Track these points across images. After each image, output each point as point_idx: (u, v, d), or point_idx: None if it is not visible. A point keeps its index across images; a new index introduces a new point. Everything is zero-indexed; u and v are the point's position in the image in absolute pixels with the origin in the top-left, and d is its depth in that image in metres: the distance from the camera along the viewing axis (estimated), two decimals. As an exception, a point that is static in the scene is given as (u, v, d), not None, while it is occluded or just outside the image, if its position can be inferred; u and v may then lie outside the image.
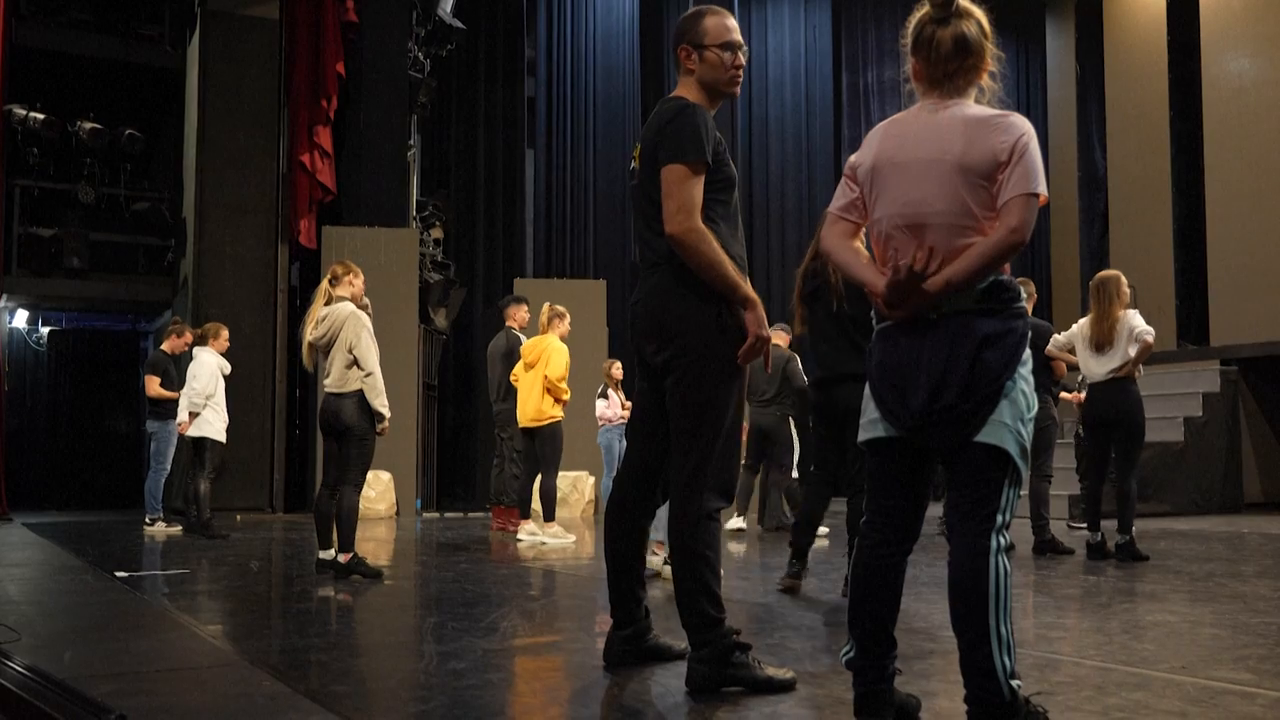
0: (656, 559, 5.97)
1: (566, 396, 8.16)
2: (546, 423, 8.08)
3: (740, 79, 3.32)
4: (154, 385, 9.53)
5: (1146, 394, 12.04)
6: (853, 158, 2.75)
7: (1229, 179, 13.20)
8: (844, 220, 2.72)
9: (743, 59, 3.31)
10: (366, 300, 6.25)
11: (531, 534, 8.18)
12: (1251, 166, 12.93)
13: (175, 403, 9.30)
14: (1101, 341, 6.71)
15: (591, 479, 11.98)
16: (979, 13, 2.66)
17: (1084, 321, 6.95)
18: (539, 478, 8.22)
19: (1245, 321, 12.78)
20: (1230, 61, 13.36)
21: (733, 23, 3.34)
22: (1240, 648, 3.75)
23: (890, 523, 2.68)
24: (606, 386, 11.50)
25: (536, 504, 8.39)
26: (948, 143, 2.54)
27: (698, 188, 3.09)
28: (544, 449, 8.10)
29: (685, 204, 3.05)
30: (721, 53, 3.26)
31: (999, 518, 2.49)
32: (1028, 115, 15.89)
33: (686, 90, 3.28)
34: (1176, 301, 13.86)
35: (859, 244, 2.78)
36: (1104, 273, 7.04)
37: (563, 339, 8.26)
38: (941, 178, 2.53)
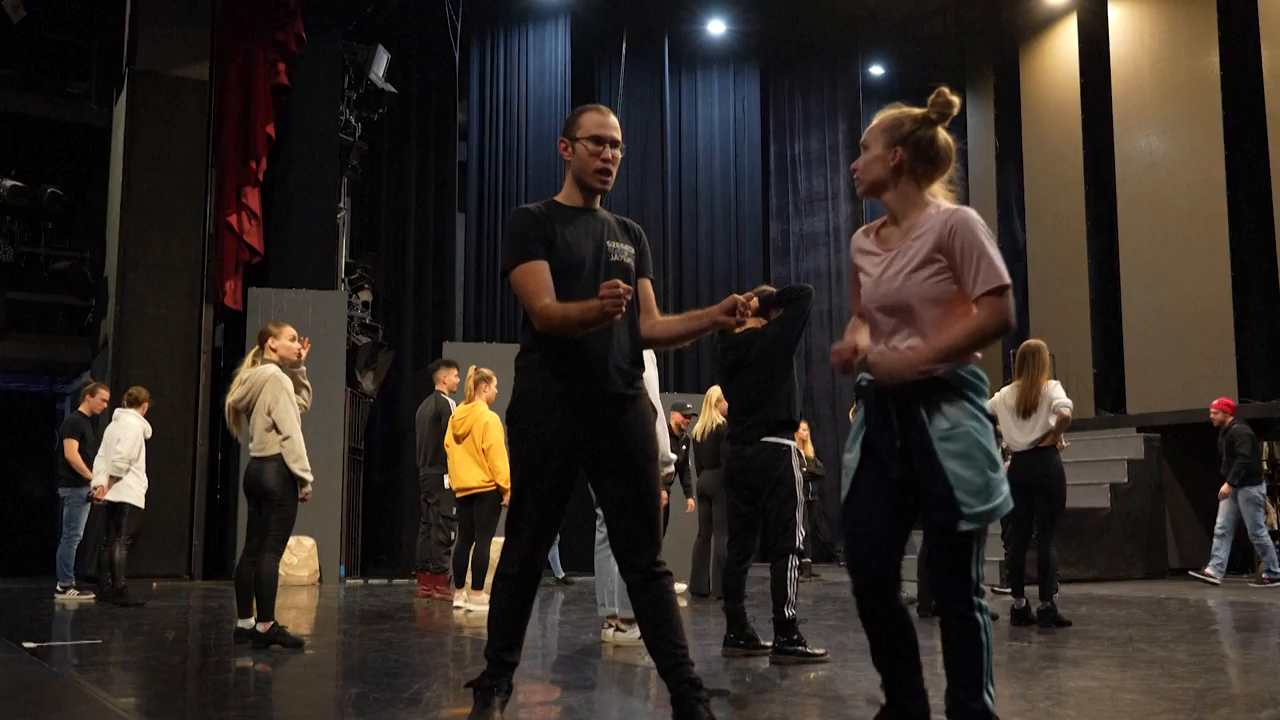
0: (609, 631, 5.94)
1: (506, 483, 8.00)
2: (489, 490, 7.99)
3: (608, 173, 3.45)
4: (72, 449, 9.30)
5: (1073, 460, 12.19)
6: None
7: (1141, 251, 13.64)
8: None
9: (612, 154, 3.44)
10: (304, 367, 6.15)
11: (466, 601, 8.03)
12: (1162, 239, 13.38)
13: (88, 467, 9.07)
14: (1027, 408, 6.89)
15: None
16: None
17: (1006, 390, 7.09)
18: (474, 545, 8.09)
19: (1160, 391, 13.13)
20: (1141, 139, 13.87)
21: (610, 120, 3.47)
22: (1159, 713, 3.81)
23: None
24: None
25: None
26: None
27: (531, 277, 3.36)
28: (482, 515, 8.00)
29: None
30: (589, 144, 3.42)
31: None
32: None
33: (566, 183, 3.51)
34: (1094, 370, 14.19)
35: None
36: (1031, 342, 7.23)
37: (490, 403, 8.20)
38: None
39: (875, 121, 2.95)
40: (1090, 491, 11.75)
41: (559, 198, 3.51)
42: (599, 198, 3.53)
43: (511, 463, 3.41)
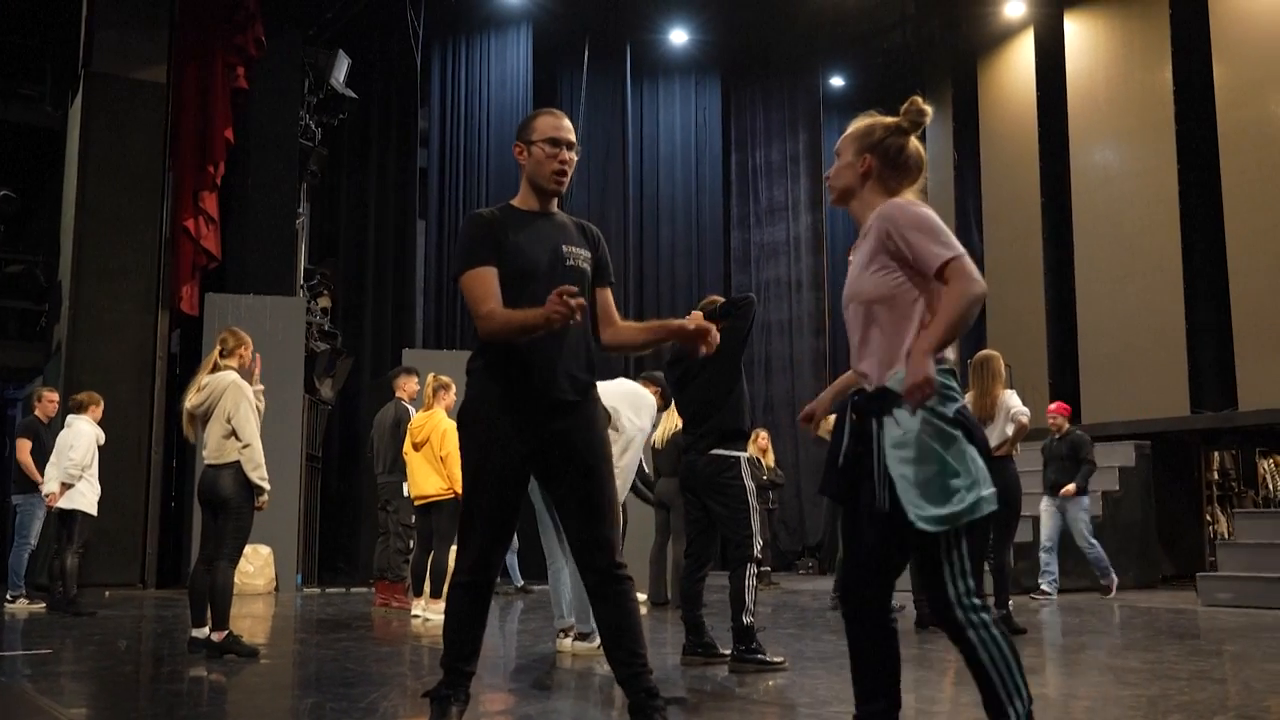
0: (566, 640, 5.92)
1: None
2: (447, 498, 7.94)
3: (564, 175, 3.45)
4: (24, 450, 9.14)
5: None
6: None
7: (1096, 263, 13.83)
8: None
9: (568, 156, 3.44)
10: (261, 385, 6.10)
11: (424, 610, 7.97)
12: (1117, 251, 13.57)
13: (41, 473, 8.93)
14: (983, 418, 6.93)
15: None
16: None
17: (963, 399, 7.15)
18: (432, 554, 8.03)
19: (1114, 401, 13.30)
20: (1096, 153, 14.07)
21: (565, 123, 3.48)
22: (1111, 720, 3.86)
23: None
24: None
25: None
26: None
27: (478, 283, 3.33)
28: (441, 524, 7.95)
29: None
30: (546, 147, 3.42)
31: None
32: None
33: (521, 187, 3.50)
34: (1050, 380, 14.34)
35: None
36: (984, 352, 7.32)
37: (448, 411, 8.17)
38: None
39: (849, 129, 2.94)
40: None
41: (515, 201, 3.50)
42: (555, 200, 3.52)
43: (462, 469, 3.39)
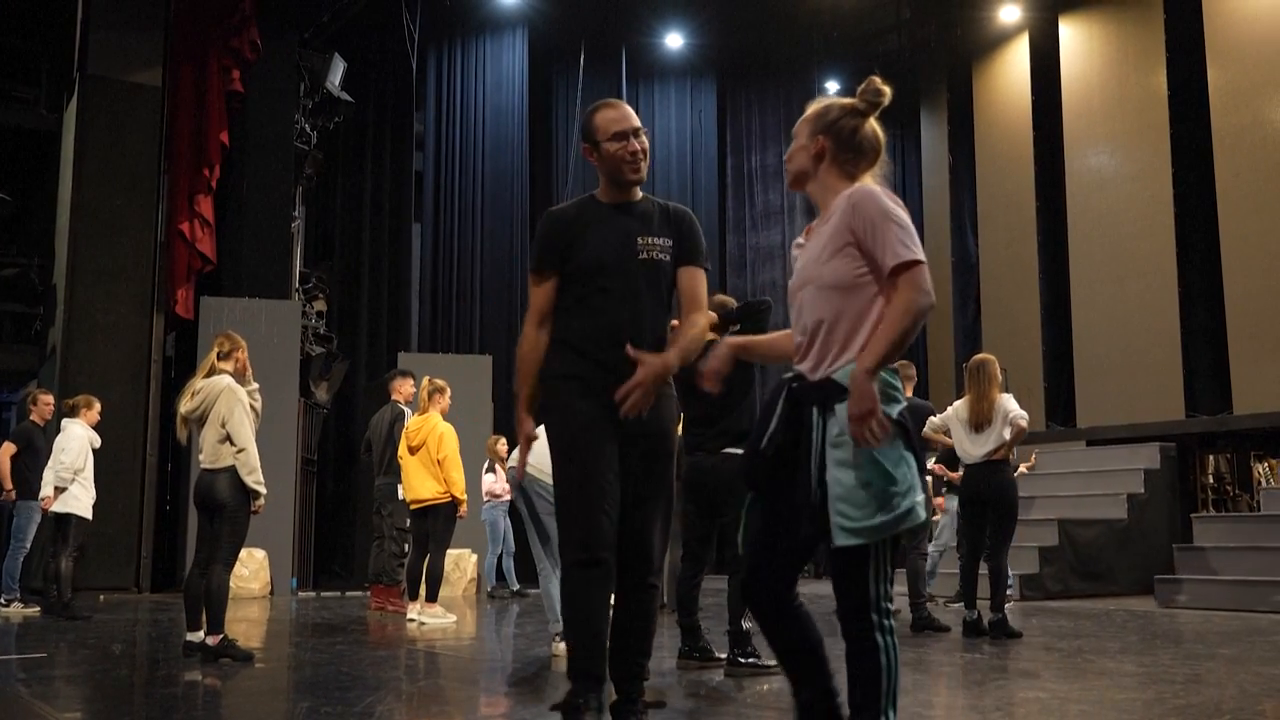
0: (561, 644, 5.91)
1: (462, 494, 7.97)
2: (443, 502, 7.94)
3: (638, 163, 3.40)
4: (4, 455, 9.07)
5: (1089, 470, 11.99)
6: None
7: (1091, 266, 13.85)
8: None
9: (638, 144, 3.39)
10: (256, 385, 6.09)
11: (419, 614, 7.97)
12: (1111, 255, 13.60)
13: (36, 478, 8.89)
14: (980, 421, 6.94)
15: (474, 557, 11.80)
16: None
17: (959, 404, 7.16)
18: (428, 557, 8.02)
19: (1109, 404, 13.32)
20: (1090, 157, 14.11)
21: (624, 112, 3.42)
22: (1107, 724, 3.86)
23: None
24: (493, 462, 11.41)
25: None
26: None
27: (534, 294, 3.42)
28: (436, 528, 7.95)
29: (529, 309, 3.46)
30: (612, 144, 3.37)
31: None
32: (905, 200, 16.51)
33: (600, 181, 3.48)
34: (1045, 383, 14.36)
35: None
36: (980, 356, 7.31)
37: (444, 414, 8.16)
38: None
39: (806, 111, 2.86)
40: (1107, 502, 11.64)
41: (597, 193, 3.48)
42: (637, 189, 3.46)
43: (551, 443, 3.33)
